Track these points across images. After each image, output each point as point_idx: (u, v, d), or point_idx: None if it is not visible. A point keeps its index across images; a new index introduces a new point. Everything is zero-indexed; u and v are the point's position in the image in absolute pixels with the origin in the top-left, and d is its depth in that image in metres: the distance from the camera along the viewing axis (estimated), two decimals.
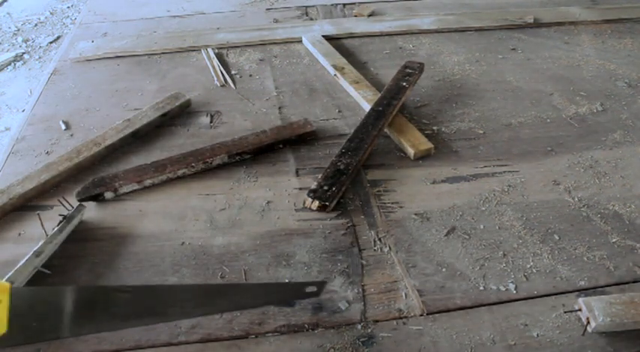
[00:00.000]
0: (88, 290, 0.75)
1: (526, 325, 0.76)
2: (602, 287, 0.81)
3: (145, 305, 0.73)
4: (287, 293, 0.80)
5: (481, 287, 0.82)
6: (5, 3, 3.69)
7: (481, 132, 1.18)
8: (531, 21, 1.65)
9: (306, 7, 1.82)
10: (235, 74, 1.42)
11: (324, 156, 1.11)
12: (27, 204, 0.99)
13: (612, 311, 0.72)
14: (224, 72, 1.41)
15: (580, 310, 0.76)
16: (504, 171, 1.06)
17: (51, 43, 3.16)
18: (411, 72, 1.30)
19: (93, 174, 1.06)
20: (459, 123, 1.21)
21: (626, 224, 0.93)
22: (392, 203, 0.99)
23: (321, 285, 0.79)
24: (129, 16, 1.76)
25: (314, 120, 1.20)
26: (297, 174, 1.06)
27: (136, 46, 1.53)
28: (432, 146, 1.10)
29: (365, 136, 1.10)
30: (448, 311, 0.78)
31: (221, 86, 1.37)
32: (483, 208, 0.97)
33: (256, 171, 1.07)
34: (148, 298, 0.74)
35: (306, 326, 0.76)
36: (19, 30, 3.32)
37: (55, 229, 0.88)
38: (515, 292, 0.81)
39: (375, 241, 0.90)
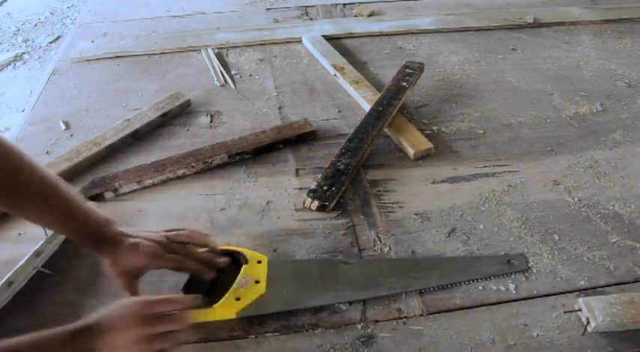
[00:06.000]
0: (319, 264, 0.86)
1: (526, 325, 0.76)
2: (602, 287, 0.81)
3: (367, 276, 0.83)
4: (490, 268, 0.84)
5: (481, 287, 0.82)
6: (5, 3, 3.69)
7: (481, 132, 1.18)
8: (531, 21, 1.65)
9: (306, 7, 1.82)
10: (235, 74, 1.42)
11: (324, 156, 1.11)
12: None
13: (612, 311, 0.72)
14: (224, 72, 1.41)
15: (580, 310, 0.76)
16: (504, 171, 1.06)
17: (51, 43, 3.16)
18: (411, 72, 1.30)
19: (93, 174, 1.06)
20: (459, 123, 1.21)
21: (626, 224, 0.93)
22: (392, 203, 0.99)
23: (521, 258, 0.85)
24: (129, 16, 1.76)
25: (314, 120, 1.20)
26: (297, 174, 1.06)
27: (136, 46, 1.53)
28: (432, 146, 1.10)
29: (365, 136, 1.10)
30: (448, 311, 0.78)
31: (221, 86, 1.37)
32: (483, 208, 0.97)
33: (256, 171, 1.07)
34: (367, 270, 0.84)
35: (306, 326, 0.76)
36: (19, 30, 3.32)
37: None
38: (515, 292, 0.81)
39: (375, 241, 0.90)
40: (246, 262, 0.82)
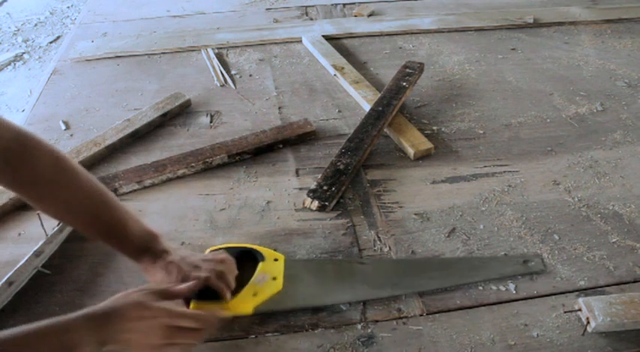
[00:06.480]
0: (335, 263, 0.86)
1: (526, 325, 0.76)
2: (602, 287, 0.81)
3: (384, 275, 0.83)
4: (506, 269, 0.84)
5: (481, 287, 0.82)
6: (5, 3, 3.69)
7: (481, 132, 1.18)
8: (531, 21, 1.65)
9: (306, 7, 1.82)
10: (235, 74, 1.42)
11: (323, 156, 1.11)
12: (27, 204, 0.99)
13: (612, 311, 0.72)
14: (224, 72, 1.41)
15: (580, 310, 0.76)
16: (504, 171, 1.06)
17: (51, 43, 3.16)
18: (411, 72, 1.30)
19: (93, 174, 1.05)
20: (459, 123, 1.21)
21: (626, 224, 0.93)
22: (392, 203, 0.99)
23: (538, 259, 0.85)
24: (129, 16, 1.76)
25: (314, 120, 1.20)
26: (296, 174, 1.06)
27: (136, 46, 1.53)
28: (432, 146, 1.10)
29: (365, 136, 1.10)
30: (448, 311, 0.78)
31: (221, 86, 1.37)
32: (483, 208, 0.97)
33: (256, 171, 1.07)
34: (384, 269, 0.84)
35: (306, 326, 0.76)
36: (19, 30, 3.32)
37: (55, 229, 0.88)
38: (515, 292, 0.81)
39: (375, 241, 0.90)
40: (263, 259, 0.83)
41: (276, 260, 0.83)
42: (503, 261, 0.86)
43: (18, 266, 0.81)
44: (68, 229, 0.90)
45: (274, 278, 0.80)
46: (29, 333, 0.57)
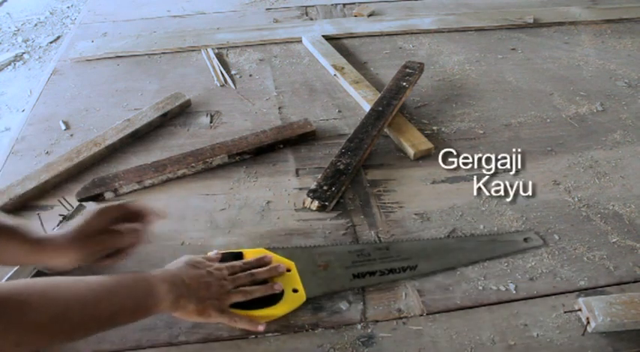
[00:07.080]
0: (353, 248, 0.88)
1: (526, 325, 0.76)
2: (602, 287, 0.81)
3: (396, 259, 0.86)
4: (507, 247, 0.88)
5: (481, 287, 0.82)
6: (5, 3, 3.69)
7: (481, 132, 1.18)
8: (531, 21, 1.65)
9: (306, 7, 1.82)
10: (235, 74, 1.42)
11: (324, 156, 1.11)
12: (27, 204, 0.99)
13: (612, 311, 0.72)
14: (224, 72, 1.41)
15: (580, 310, 0.76)
16: (504, 171, 1.06)
17: (51, 43, 3.16)
18: (411, 72, 1.30)
19: (93, 174, 1.06)
20: (459, 123, 1.21)
21: (626, 224, 0.93)
22: (392, 203, 0.99)
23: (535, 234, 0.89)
24: (129, 16, 1.76)
25: (314, 120, 1.20)
26: (297, 174, 1.06)
27: (136, 46, 1.53)
28: (432, 146, 1.10)
29: (365, 136, 1.10)
30: (448, 311, 0.78)
31: (221, 86, 1.37)
32: (483, 208, 0.97)
33: (256, 171, 1.07)
34: (398, 253, 0.87)
35: (306, 326, 0.76)
36: (19, 30, 3.32)
37: (55, 229, 0.88)
38: (515, 292, 0.81)
39: (375, 241, 0.90)
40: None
41: (288, 270, 0.81)
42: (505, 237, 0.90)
43: (18, 266, 0.81)
44: None
45: (295, 291, 0.78)
46: (115, 282, 0.63)
